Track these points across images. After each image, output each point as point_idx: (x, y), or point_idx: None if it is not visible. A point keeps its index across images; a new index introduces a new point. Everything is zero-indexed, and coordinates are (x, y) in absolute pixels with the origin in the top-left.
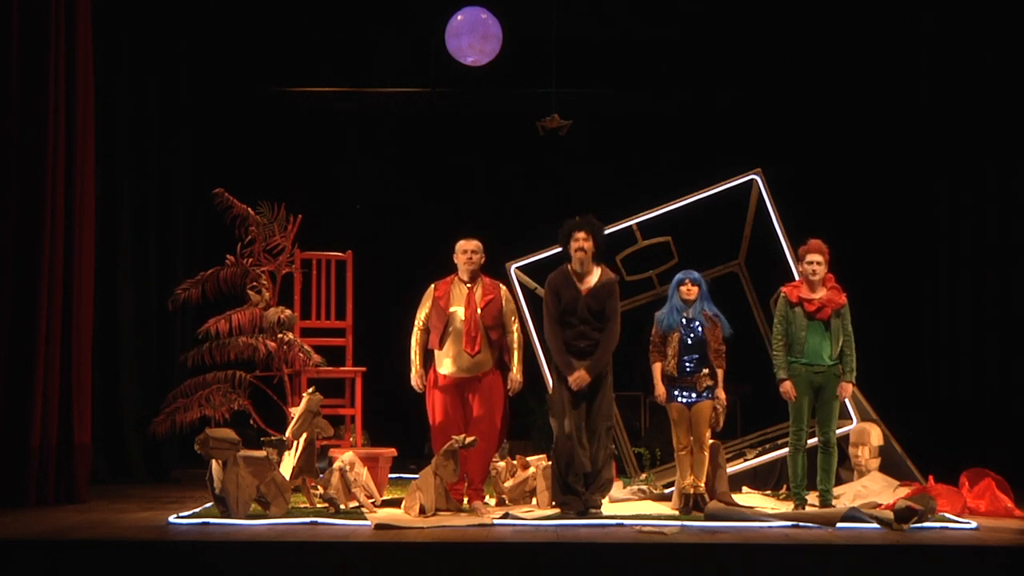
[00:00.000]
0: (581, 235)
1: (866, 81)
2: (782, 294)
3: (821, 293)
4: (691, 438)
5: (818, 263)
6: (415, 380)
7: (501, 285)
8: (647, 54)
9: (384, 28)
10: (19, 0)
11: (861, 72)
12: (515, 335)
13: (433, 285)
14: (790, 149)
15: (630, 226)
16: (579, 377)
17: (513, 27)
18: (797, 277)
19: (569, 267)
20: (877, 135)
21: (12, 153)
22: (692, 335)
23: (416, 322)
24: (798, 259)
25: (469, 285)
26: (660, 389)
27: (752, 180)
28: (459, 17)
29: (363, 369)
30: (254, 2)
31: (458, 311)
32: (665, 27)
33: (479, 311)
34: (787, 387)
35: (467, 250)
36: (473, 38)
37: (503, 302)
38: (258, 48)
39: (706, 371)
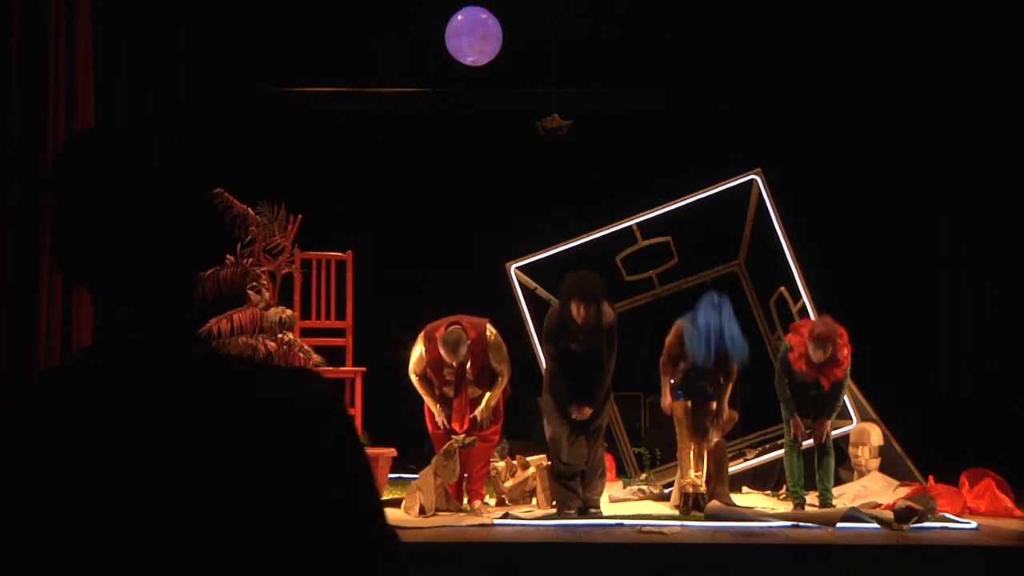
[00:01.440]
0: (581, 306)
1: (866, 80)
2: (787, 357)
3: (825, 368)
4: (694, 436)
5: (824, 350)
6: (440, 419)
7: (487, 327)
8: (647, 54)
9: (384, 28)
10: (19, 0)
11: (861, 71)
12: (501, 380)
13: (423, 343)
14: (790, 149)
15: (630, 226)
16: (583, 412)
17: (513, 27)
18: (797, 279)
19: (567, 312)
20: (877, 134)
21: (12, 153)
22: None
23: (411, 373)
24: (808, 336)
25: (457, 370)
26: (667, 401)
27: (752, 180)
28: (459, 17)
29: (363, 369)
30: (254, 2)
31: (448, 392)
32: (665, 27)
33: (470, 384)
34: (796, 423)
35: (451, 362)
36: (473, 38)
37: (490, 356)
38: (258, 48)
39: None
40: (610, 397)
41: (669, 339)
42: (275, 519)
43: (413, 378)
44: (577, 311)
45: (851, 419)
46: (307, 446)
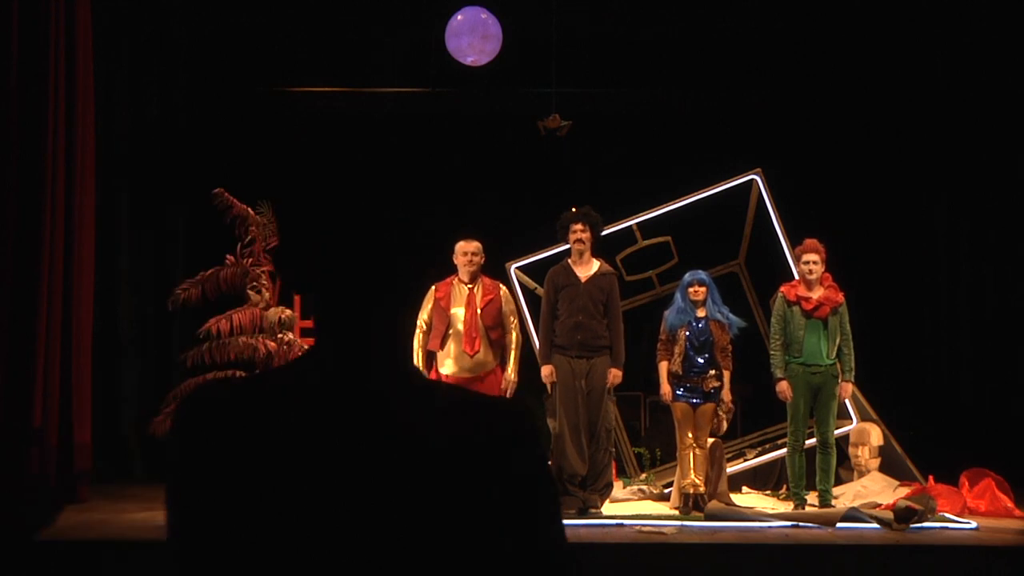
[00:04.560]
0: (579, 227)
1: (866, 80)
2: (780, 294)
3: (819, 292)
4: (694, 436)
5: (814, 262)
6: None
7: (501, 285)
8: (647, 54)
9: (384, 28)
10: (19, 0)
11: (861, 71)
12: (514, 335)
13: (434, 286)
14: (790, 149)
15: (630, 226)
16: (548, 375)
17: (513, 27)
18: (796, 277)
19: (568, 260)
20: (877, 134)
21: (12, 153)
22: (700, 336)
23: (417, 323)
24: (795, 259)
25: (469, 286)
26: (665, 388)
27: (752, 180)
28: (459, 17)
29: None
30: (254, 2)
31: (458, 312)
32: (665, 26)
33: (479, 312)
34: (783, 387)
35: (467, 251)
36: (473, 38)
37: (503, 302)
38: (258, 48)
39: (713, 372)
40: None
41: (661, 327)
42: (468, 547)
43: (417, 333)
44: (579, 233)
45: (851, 419)
46: (500, 477)
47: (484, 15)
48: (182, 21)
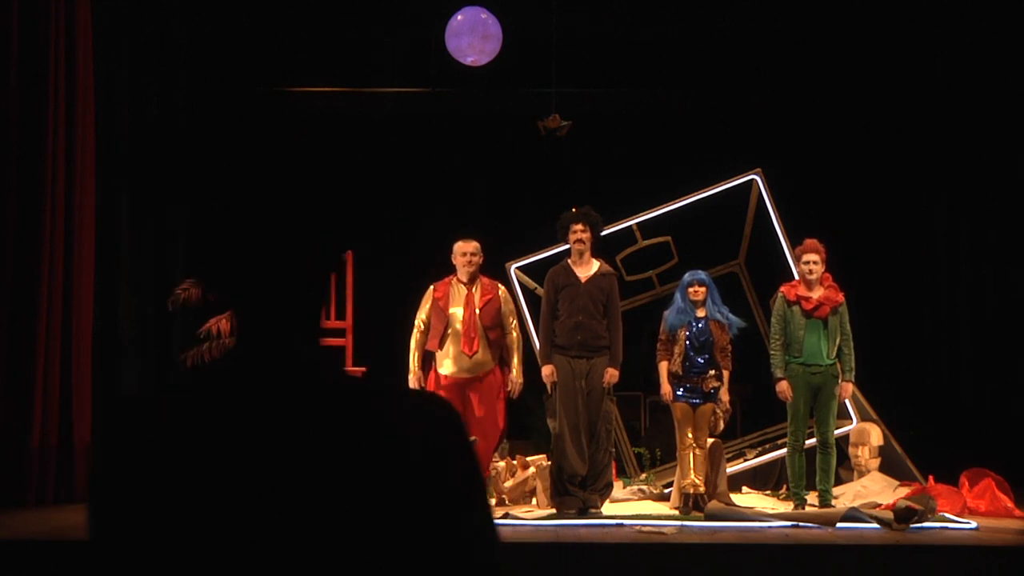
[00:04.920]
0: (579, 227)
1: (866, 80)
2: (780, 294)
3: (819, 292)
4: (694, 437)
5: (814, 262)
6: (412, 382)
7: (500, 285)
8: (647, 54)
9: (384, 28)
10: (19, 0)
11: (861, 71)
12: (514, 335)
13: (432, 286)
14: (790, 149)
15: (630, 226)
16: (549, 375)
17: (513, 27)
18: (796, 277)
19: (568, 260)
20: (877, 134)
21: (12, 153)
22: (700, 336)
23: (416, 323)
24: (795, 259)
25: (468, 286)
26: (666, 388)
27: (752, 180)
28: (459, 17)
29: (363, 369)
30: (254, 2)
31: (457, 312)
32: (665, 26)
33: (478, 312)
34: (783, 387)
35: (466, 252)
36: (473, 38)
37: (501, 302)
38: (258, 48)
39: (713, 372)
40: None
41: (660, 327)
42: (389, 540)
43: (416, 332)
44: (579, 233)
45: (851, 419)
46: (430, 469)
47: (484, 15)
48: (182, 21)
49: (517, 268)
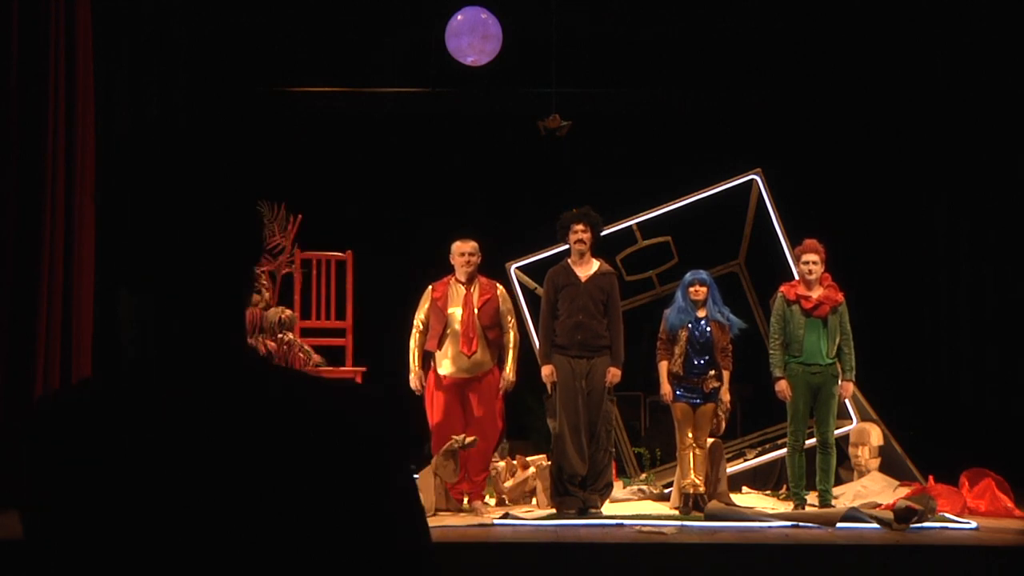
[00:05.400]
0: (579, 227)
1: (866, 80)
2: (780, 293)
3: (818, 291)
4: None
5: (814, 262)
6: (413, 382)
7: (498, 285)
8: (647, 54)
9: (384, 28)
10: (19, 0)
11: (861, 71)
12: (511, 335)
13: (431, 286)
14: (790, 149)
15: (630, 226)
16: (549, 375)
17: (513, 27)
18: (796, 277)
19: (568, 260)
20: (877, 134)
21: (12, 153)
22: (700, 336)
23: (414, 323)
24: (795, 259)
25: (466, 286)
26: (666, 388)
27: (752, 180)
28: (459, 17)
29: (363, 369)
30: (254, 2)
31: (456, 312)
32: (665, 26)
33: (476, 312)
34: (782, 386)
35: (464, 252)
36: (473, 38)
37: (500, 302)
38: (258, 48)
39: (713, 373)
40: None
41: (661, 326)
42: (319, 535)
43: (415, 333)
44: (579, 234)
45: (851, 419)
46: (357, 462)
47: (484, 15)
48: (182, 21)
49: (517, 268)
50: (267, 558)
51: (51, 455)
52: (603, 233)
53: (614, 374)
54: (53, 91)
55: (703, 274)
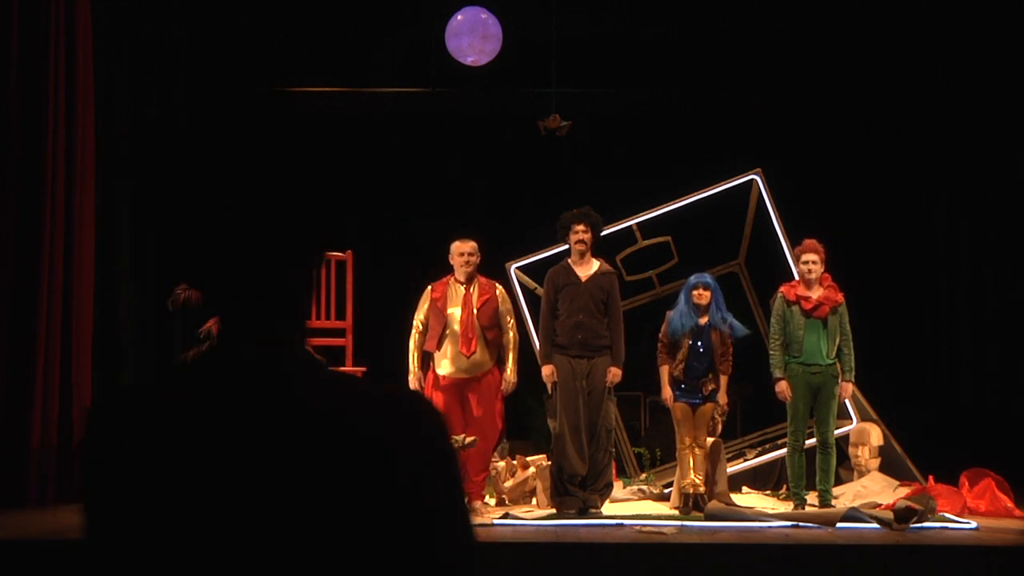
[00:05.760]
0: (580, 227)
1: (866, 80)
2: (779, 294)
3: (818, 292)
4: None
5: (813, 262)
6: (412, 383)
7: (497, 285)
8: (648, 54)
9: (384, 28)
10: (19, 0)
11: (861, 71)
12: (511, 335)
13: (430, 286)
14: (790, 149)
15: (630, 226)
16: (549, 375)
17: (513, 27)
18: (796, 277)
19: (568, 260)
20: (877, 134)
21: (12, 153)
22: (702, 346)
23: (414, 323)
24: (795, 259)
25: (465, 286)
26: (667, 392)
27: (752, 180)
28: (459, 17)
29: (363, 369)
30: (254, 2)
31: (455, 312)
32: (665, 26)
33: (475, 312)
34: (782, 387)
35: (463, 252)
36: (473, 38)
37: (499, 302)
38: (258, 48)
39: (711, 375)
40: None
41: (662, 328)
42: (362, 531)
43: (414, 333)
44: (580, 234)
45: (851, 419)
46: (410, 468)
47: (484, 15)
48: (182, 21)
49: (517, 268)
50: (312, 552)
51: (109, 447)
52: (603, 233)
53: (615, 374)
54: (53, 91)
55: (707, 277)
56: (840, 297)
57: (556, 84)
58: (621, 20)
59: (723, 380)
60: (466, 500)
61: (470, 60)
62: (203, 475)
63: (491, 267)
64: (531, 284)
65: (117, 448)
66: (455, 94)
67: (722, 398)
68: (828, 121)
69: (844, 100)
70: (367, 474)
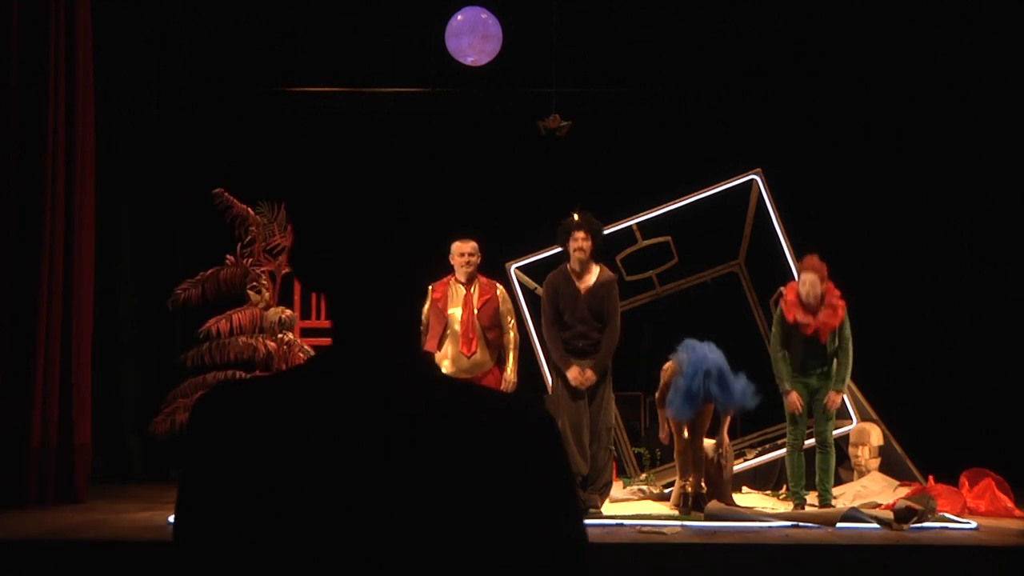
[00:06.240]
0: (580, 235)
1: (866, 80)
2: (780, 309)
3: (818, 313)
4: (692, 437)
5: (811, 283)
6: None
7: (498, 285)
8: (647, 54)
9: (384, 28)
10: (19, 0)
11: (861, 71)
12: (511, 335)
13: (431, 287)
14: (790, 149)
15: (630, 226)
16: (577, 375)
17: (513, 27)
18: (797, 277)
19: (568, 266)
20: (877, 134)
21: (12, 153)
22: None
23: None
24: (797, 271)
25: (466, 286)
26: (664, 433)
27: (752, 180)
28: (459, 17)
29: None
30: (254, 2)
31: (455, 312)
32: (665, 26)
33: (476, 312)
34: (793, 398)
35: (464, 252)
36: (473, 38)
37: (499, 302)
38: (258, 48)
39: None
40: (608, 370)
41: (663, 379)
42: (484, 548)
43: None
44: (580, 241)
45: (851, 419)
46: (525, 476)
47: (484, 15)
48: (182, 21)
49: (517, 268)
50: (424, 563)
51: (213, 440)
52: (605, 232)
53: (588, 377)
54: (53, 91)
55: (712, 364)
56: (839, 318)
57: (556, 84)
58: (621, 20)
59: (725, 421)
60: (578, 509)
61: (470, 60)
62: (313, 481)
63: (491, 267)
64: (531, 284)
65: (222, 444)
66: (455, 94)
67: (724, 439)
68: (828, 121)
69: (844, 100)
70: (478, 483)
